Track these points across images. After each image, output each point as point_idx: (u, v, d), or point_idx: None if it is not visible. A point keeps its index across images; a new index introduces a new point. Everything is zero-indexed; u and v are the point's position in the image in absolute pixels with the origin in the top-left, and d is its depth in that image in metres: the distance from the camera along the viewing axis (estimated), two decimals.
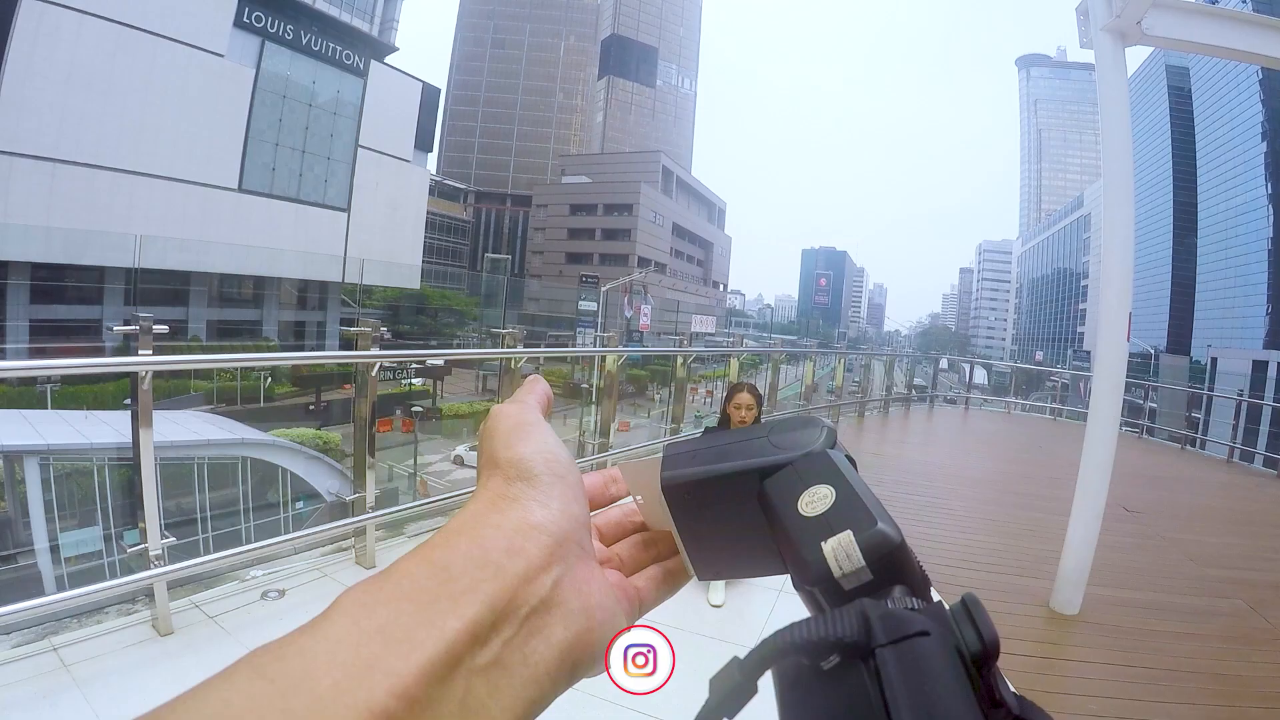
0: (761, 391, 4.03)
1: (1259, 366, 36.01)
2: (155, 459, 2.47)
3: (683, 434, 5.89)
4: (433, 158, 61.61)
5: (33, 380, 17.16)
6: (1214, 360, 40.19)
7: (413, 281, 36.49)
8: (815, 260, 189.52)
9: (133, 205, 24.31)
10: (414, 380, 28.76)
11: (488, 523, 0.25)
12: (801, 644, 0.22)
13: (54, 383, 18.06)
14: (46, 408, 16.00)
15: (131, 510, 2.85)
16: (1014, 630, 2.98)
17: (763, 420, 3.98)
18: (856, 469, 0.31)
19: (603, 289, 38.07)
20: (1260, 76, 46.50)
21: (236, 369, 21.94)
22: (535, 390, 0.33)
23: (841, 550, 0.26)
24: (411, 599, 0.22)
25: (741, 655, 0.23)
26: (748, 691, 0.23)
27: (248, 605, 2.64)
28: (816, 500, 0.28)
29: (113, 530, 8.66)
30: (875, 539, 0.25)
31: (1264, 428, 10.86)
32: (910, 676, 0.20)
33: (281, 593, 2.76)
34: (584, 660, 0.25)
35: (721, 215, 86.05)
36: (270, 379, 24.22)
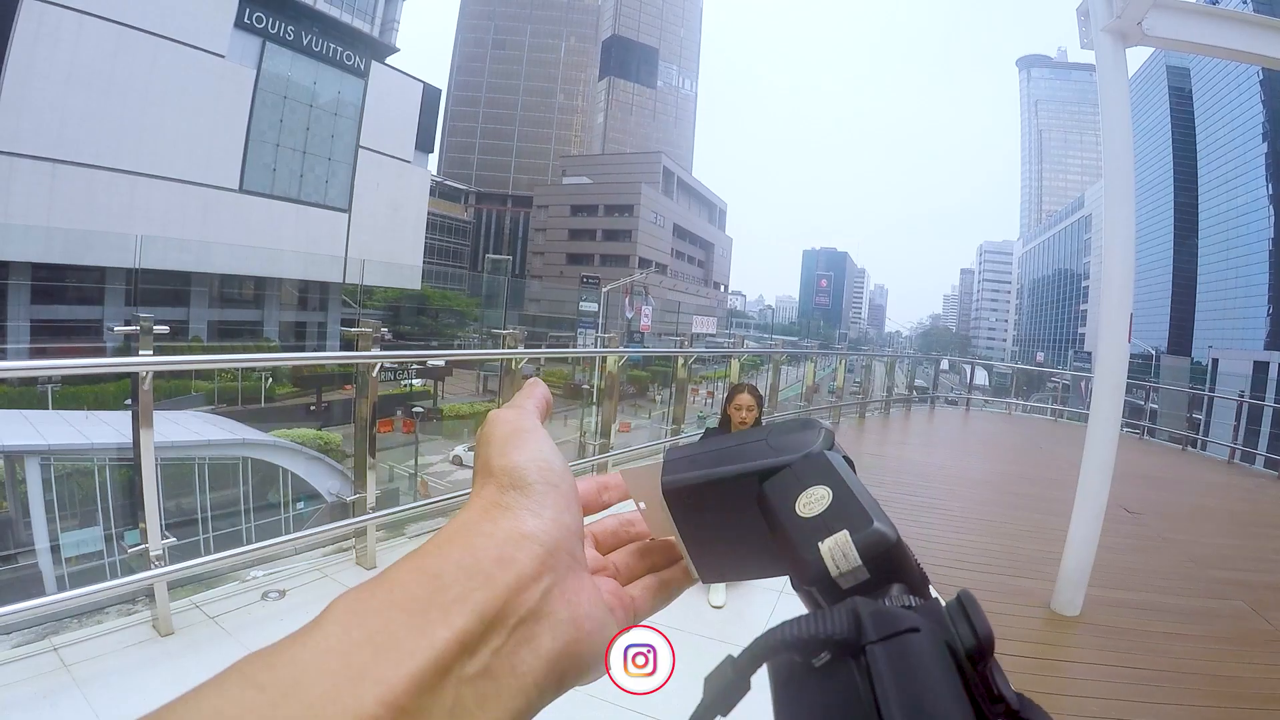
0: (762, 393, 4.03)
1: (1260, 367, 35.95)
2: (156, 459, 2.47)
3: (683, 436, 5.90)
4: (433, 158, 61.82)
5: (34, 380, 17.15)
6: (1215, 361, 40.15)
7: (413, 282, 36.52)
8: (816, 261, 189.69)
9: (133, 205, 24.36)
10: (415, 381, 28.75)
11: (480, 531, 0.25)
12: (793, 641, 0.22)
13: (55, 383, 18.06)
14: (47, 408, 16.01)
15: (132, 510, 2.85)
16: (1014, 632, 2.98)
17: (763, 421, 3.97)
18: (855, 470, 0.31)
19: (603, 290, 38.06)
20: (1261, 77, 46.50)
21: (237, 369, 21.96)
22: (534, 395, 0.33)
23: (838, 550, 0.26)
24: (402, 607, 0.22)
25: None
26: (740, 689, 0.23)
27: (248, 606, 2.64)
28: (814, 501, 0.28)
29: (113, 530, 8.67)
30: (871, 538, 0.26)
31: (1265, 429, 10.82)
32: (900, 672, 0.20)
33: (282, 593, 2.76)
34: (572, 670, 0.25)
35: (722, 216, 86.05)
36: (271, 379, 24.23)
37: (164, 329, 2.47)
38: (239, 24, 27.42)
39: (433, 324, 37.09)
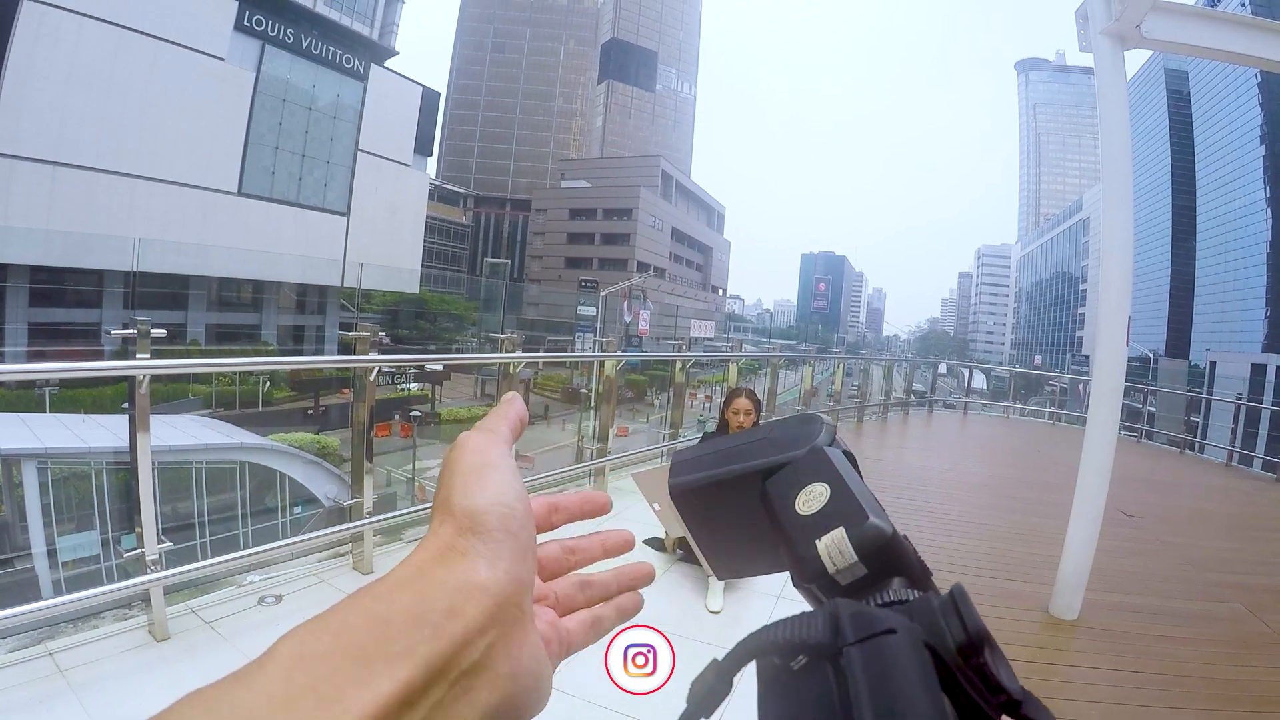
0: (760, 397, 4.02)
1: (1258, 370, 36.06)
2: (153, 463, 2.46)
3: (681, 440, 5.90)
4: (432, 162, 61.92)
5: (31, 383, 17.08)
6: (1213, 364, 40.29)
7: (412, 286, 36.50)
8: (814, 265, 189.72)
9: (132, 208, 24.35)
10: (412, 385, 28.71)
11: (433, 578, 0.25)
12: (770, 645, 0.23)
13: (52, 386, 18.00)
14: (45, 411, 15.95)
15: (129, 515, 2.84)
16: (1012, 635, 2.97)
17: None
18: (856, 464, 0.31)
19: (602, 294, 38.09)
20: (1259, 80, 46.57)
21: (235, 373, 21.96)
22: (508, 415, 0.32)
23: (834, 546, 0.26)
24: (348, 654, 0.22)
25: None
26: (721, 692, 0.23)
27: (245, 611, 2.63)
28: (812, 498, 0.29)
29: (110, 535, 8.65)
30: (867, 533, 0.26)
31: (1263, 431, 10.83)
32: (873, 673, 0.20)
33: (279, 598, 2.75)
34: None
35: (721, 220, 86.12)
36: (269, 383, 24.21)
37: (161, 332, 2.47)
38: (238, 26, 27.46)
39: (431, 328, 37.13)
